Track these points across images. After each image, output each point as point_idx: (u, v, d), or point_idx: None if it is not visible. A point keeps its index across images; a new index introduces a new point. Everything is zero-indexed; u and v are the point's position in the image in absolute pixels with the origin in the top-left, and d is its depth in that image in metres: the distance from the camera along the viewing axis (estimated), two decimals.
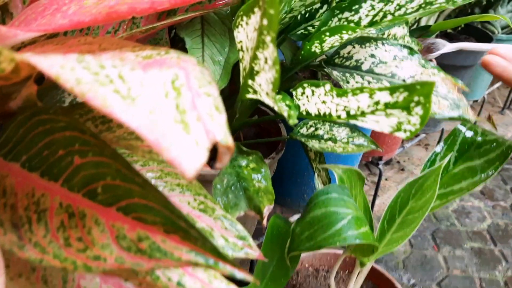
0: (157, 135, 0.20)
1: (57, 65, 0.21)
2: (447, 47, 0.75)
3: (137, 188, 0.27)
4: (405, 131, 0.32)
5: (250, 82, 0.34)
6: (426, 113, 0.30)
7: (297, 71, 0.59)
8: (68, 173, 0.29)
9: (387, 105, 0.31)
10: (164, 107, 0.22)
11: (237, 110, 0.49)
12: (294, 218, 0.94)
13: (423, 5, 0.39)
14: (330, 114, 0.36)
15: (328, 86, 0.35)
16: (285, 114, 0.32)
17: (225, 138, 0.23)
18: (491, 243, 1.09)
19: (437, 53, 0.75)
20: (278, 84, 0.27)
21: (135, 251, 0.27)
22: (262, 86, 0.31)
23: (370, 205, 0.63)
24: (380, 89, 0.31)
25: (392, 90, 0.30)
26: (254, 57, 0.30)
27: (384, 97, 0.31)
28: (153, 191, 0.27)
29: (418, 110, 0.30)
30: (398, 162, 1.38)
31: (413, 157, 1.41)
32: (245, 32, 0.32)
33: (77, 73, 0.21)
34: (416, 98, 0.30)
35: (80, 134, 0.28)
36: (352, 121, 0.35)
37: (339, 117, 0.36)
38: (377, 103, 0.32)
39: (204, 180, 0.51)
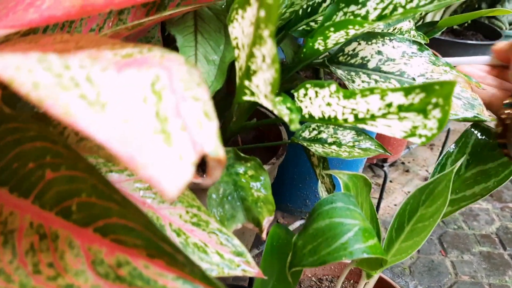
0: (131, 150, 0.17)
1: (12, 67, 0.17)
2: None
3: (115, 206, 0.24)
4: (420, 136, 0.29)
5: (246, 83, 0.31)
6: (445, 117, 0.27)
7: (298, 70, 0.56)
8: (39, 189, 0.26)
9: (401, 108, 0.28)
10: (141, 115, 0.18)
11: (234, 112, 0.46)
12: (296, 225, 0.91)
13: None
14: (335, 118, 0.33)
15: (333, 87, 0.31)
16: (286, 119, 0.28)
17: (215, 150, 0.19)
18: (500, 247, 1.06)
19: None
20: (277, 85, 0.24)
21: (114, 279, 0.23)
22: (260, 88, 0.28)
23: (375, 209, 0.59)
24: (393, 90, 0.27)
25: (407, 91, 0.27)
26: (251, 55, 0.26)
27: (398, 98, 0.27)
28: (133, 210, 0.23)
29: (436, 113, 0.27)
30: (403, 163, 1.34)
31: (418, 158, 1.37)
32: (241, 27, 0.28)
33: (36, 75, 0.17)
34: (434, 100, 0.26)
35: (51, 144, 0.25)
36: (361, 125, 0.32)
37: (345, 120, 0.32)
38: (389, 105, 0.28)
39: (198, 189, 0.47)
